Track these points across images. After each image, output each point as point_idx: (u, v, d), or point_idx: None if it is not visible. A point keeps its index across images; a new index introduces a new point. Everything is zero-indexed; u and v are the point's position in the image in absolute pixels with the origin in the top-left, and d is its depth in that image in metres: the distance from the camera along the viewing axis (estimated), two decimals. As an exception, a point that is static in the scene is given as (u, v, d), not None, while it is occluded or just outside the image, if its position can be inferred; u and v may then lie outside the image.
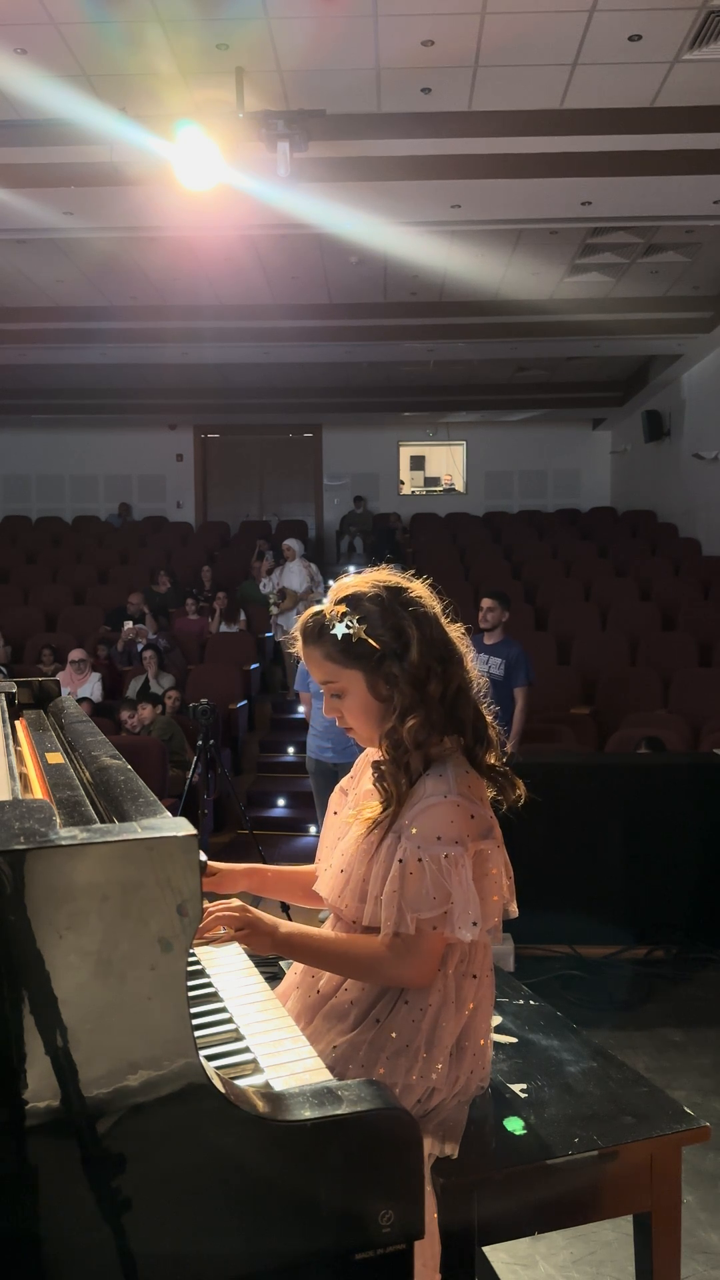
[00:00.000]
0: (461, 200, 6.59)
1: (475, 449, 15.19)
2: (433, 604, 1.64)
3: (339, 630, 1.57)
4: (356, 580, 1.64)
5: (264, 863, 4.96)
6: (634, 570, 10.38)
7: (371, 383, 13.12)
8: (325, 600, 1.66)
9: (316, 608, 1.64)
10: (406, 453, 15.57)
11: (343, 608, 1.59)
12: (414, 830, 1.52)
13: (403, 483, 15.58)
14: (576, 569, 10.68)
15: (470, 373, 12.63)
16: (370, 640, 1.56)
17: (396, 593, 1.61)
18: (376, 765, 1.62)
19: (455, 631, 1.65)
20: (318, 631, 1.61)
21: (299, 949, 1.59)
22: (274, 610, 9.63)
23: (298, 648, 1.66)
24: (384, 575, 1.65)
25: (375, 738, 1.64)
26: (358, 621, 1.57)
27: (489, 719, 1.64)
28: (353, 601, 1.59)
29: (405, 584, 1.64)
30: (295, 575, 9.79)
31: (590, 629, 8.89)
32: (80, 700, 6.88)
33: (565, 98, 5.66)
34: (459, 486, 15.51)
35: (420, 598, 1.62)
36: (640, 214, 6.98)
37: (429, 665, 1.57)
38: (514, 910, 1.59)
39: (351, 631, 1.57)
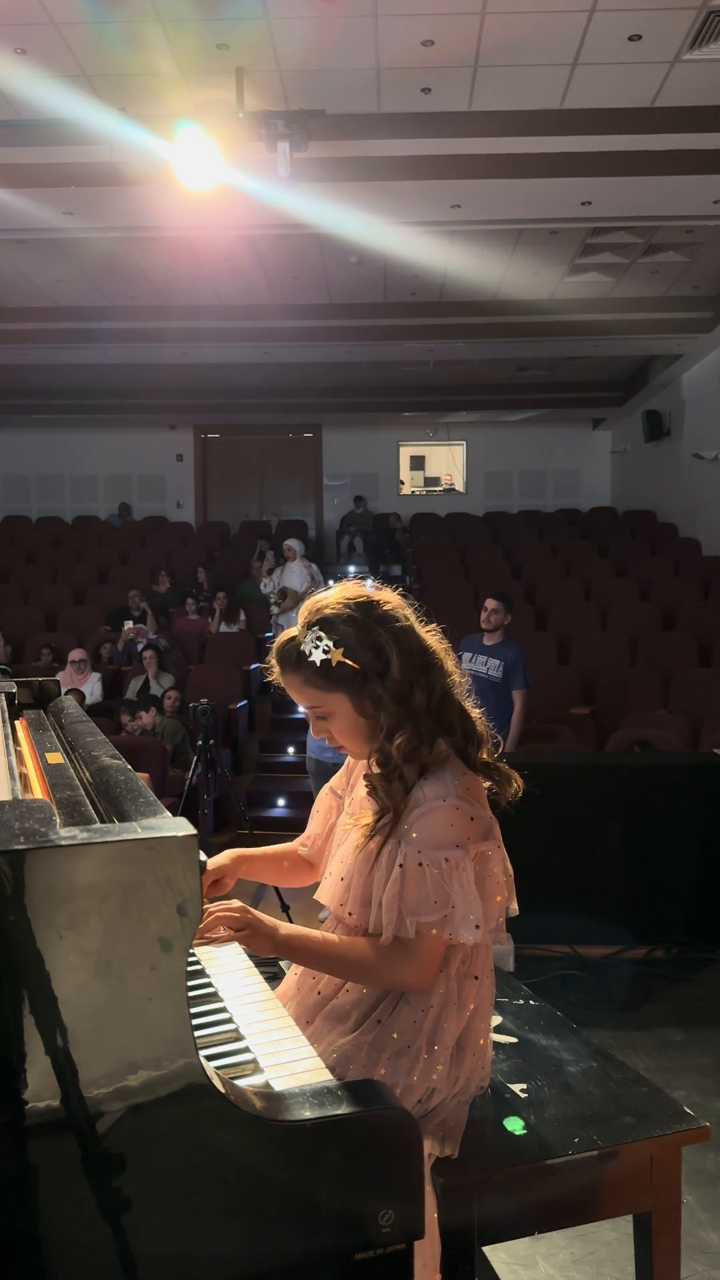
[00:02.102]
0: (461, 200, 6.59)
1: (475, 449, 15.19)
2: (405, 612, 1.61)
3: (316, 656, 1.54)
4: (325, 600, 1.59)
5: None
6: (634, 570, 10.38)
7: (371, 383, 13.12)
8: (296, 623, 1.61)
9: (289, 632, 1.60)
10: (406, 453, 15.57)
11: (317, 631, 1.55)
12: (414, 835, 1.52)
13: (403, 483, 15.58)
14: (576, 569, 10.68)
15: (470, 373, 12.62)
16: (349, 662, 1.54)
17: (369, 609, 1.57)
18: (369, 779, 1.61)
19: (431, 635, 1.63)
20: (295, 659, 1.57)
21: (299, 951, 1.59)
22: (274, 610, 9.63)
23: (275, 675, 1.62)
24: (352, 590, 1.61)
25: (366, 753, 1.63)
26: (334, 645, 1.54)
27: (475, 715, 1.63)
28: (326, 624, 1.56)
29: (375, 597, 1.60)
30: (296, 575, 9.79)
31: (590, 629, 8.89)
32: (68, 691, 6.85)
33: (565, 98, 5.66)
34: (459, 486, 15.51)
35: (393, 609, 1.59)
36: (640, 214, 6.98)
37: (411, 678, 1.55)
38: (514, 908, 1.59)
39: (329, 656, 1.54)
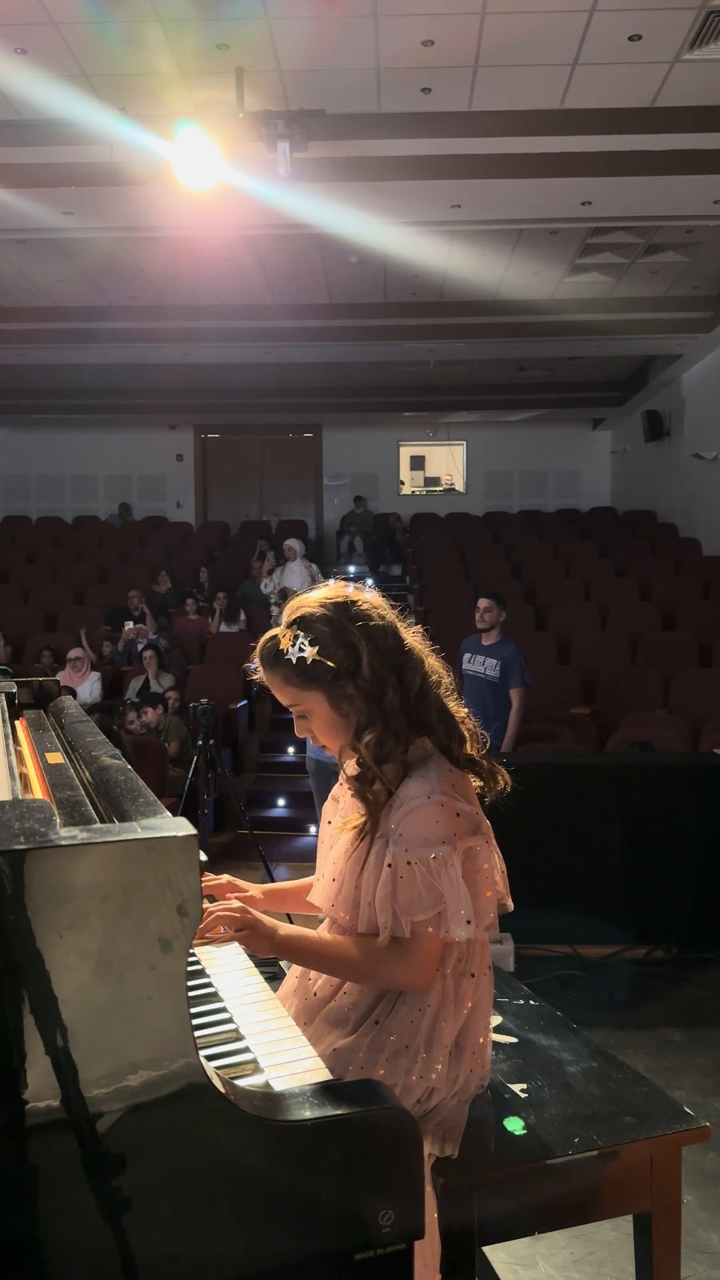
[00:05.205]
0: (461, 200, 6.59)
1: (475, 449, 15.18)
2: (384, 612, 1.62)
3: (293, 654, 1.57)
4: (306, 600, 1.63)
5: (264, 862, 4.96)
6: (634, 570, 10.39)
7: (371, 383, 13.12)
8: (280, 623, 1.65)
9: (272, 632, 1.63)
10: (406, 453, 15.57)
11: (295, 630, 1.58)
12: (401, 833, 1.52)
13: (403, 483, 15.58)
14: (576, 569, 10.68)
15: (470, 373, 12.63)
16: (324, 660, 1.56)
17: (345, 608, 1.59)
18: (349, 781, 1.63)
19: (412, 635, 1.65)
20: (274, 657, 1.60)
21: (298, 951, 1.59)
22: (275, 610, 9.64)
23: (259, 674, 1.65)
24: (334, 590, 1.64)
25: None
26: (310, 643, 1.56)
27: (460, 714, 1.63)
28: (303, 623, 1.58)
29: (354, 597, 1.62)
30: (296, 575, 9.80)
31: (590, 629, 8.89)
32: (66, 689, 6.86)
33: (565, 98, 5.66)
34: (459, 486, 15.50)
35: (369, 609, 1.60)
36: (640, 214, 6.98)
37: (382, 676, 1.56)
38: (509, 904, 1.59)
39: (306, 654, 1.56)
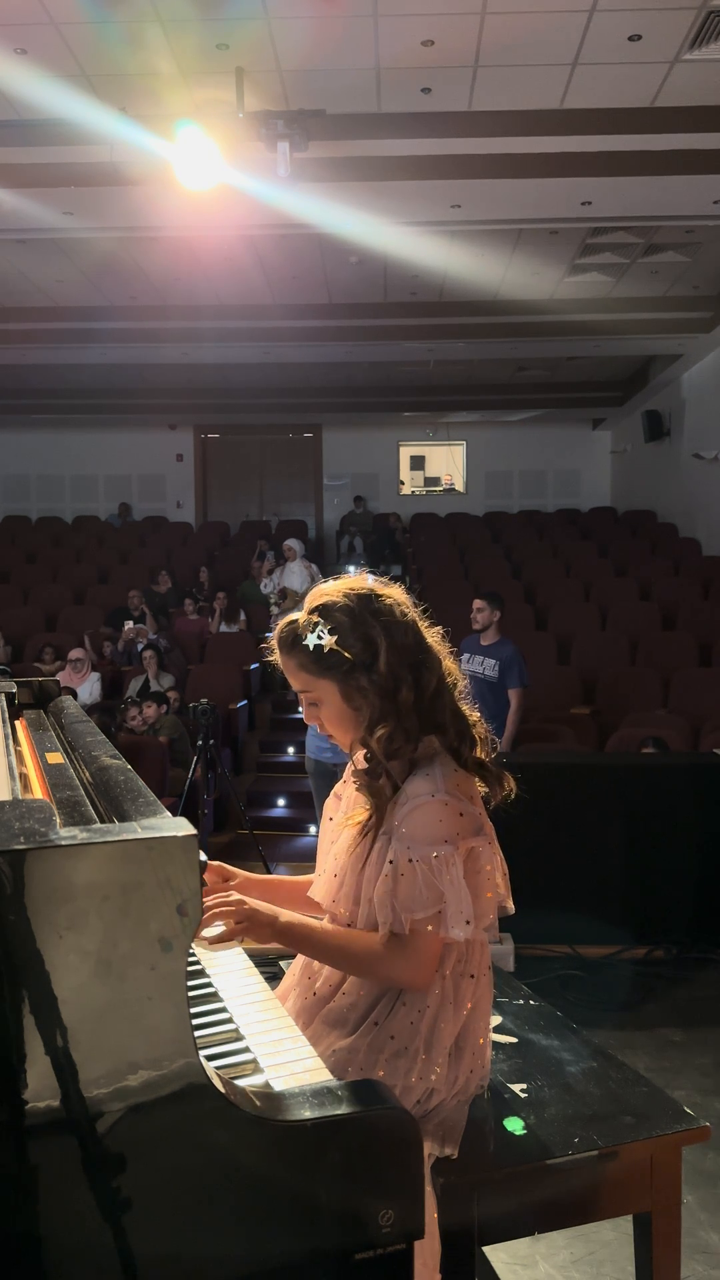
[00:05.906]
0: (461, 200, 6.59)
1: (475, 449, 15.18)
2: (406, 609, 1.62)
3: (310, 641, 1.57)
4: (330, 588, 1.63)
5: (264, 862, 4.95)
6: (634, 570, 10.39)
7: (371, 383, 13.12)
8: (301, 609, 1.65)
9: (292, 616, 1.64)
10: (406, 453, 15.57)
11: (315, 618, 1.58)
12: (404, 831, 1.52)
13: (403, 483, 15.58)
14: (576, 569, 10.68)
15: (470, 373, 12.62)
16: (341, 651, 1.56)
17: (367, 600, 1.59)
18: (356, 775, 1.63)
19: (432, 635, 1.65)
20: (291, 642, 1.61)
21: (299, 939, 1.58)
22: (275, 610, 9.64)
23: (275, 657, 1.65)
24: (358, 582, 1.64)
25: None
26: (329, 632, 1.57)
27: (473, 717, 1.63)
28: (324, 611, 1.59)
29: (378, 590, 1.62)
30: (296, 575, 9.80)
31: (590, 629, 8.89)
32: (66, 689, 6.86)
33: (565, 98, 5.66)
34: (459, 486, 15.50)
35: (392, 604, 1.60)
36: (640, 214, 6.98)
37: (398, 673, 1.56)
38: (510, 906, 1.59)
39: (323, 642, 1.56)
